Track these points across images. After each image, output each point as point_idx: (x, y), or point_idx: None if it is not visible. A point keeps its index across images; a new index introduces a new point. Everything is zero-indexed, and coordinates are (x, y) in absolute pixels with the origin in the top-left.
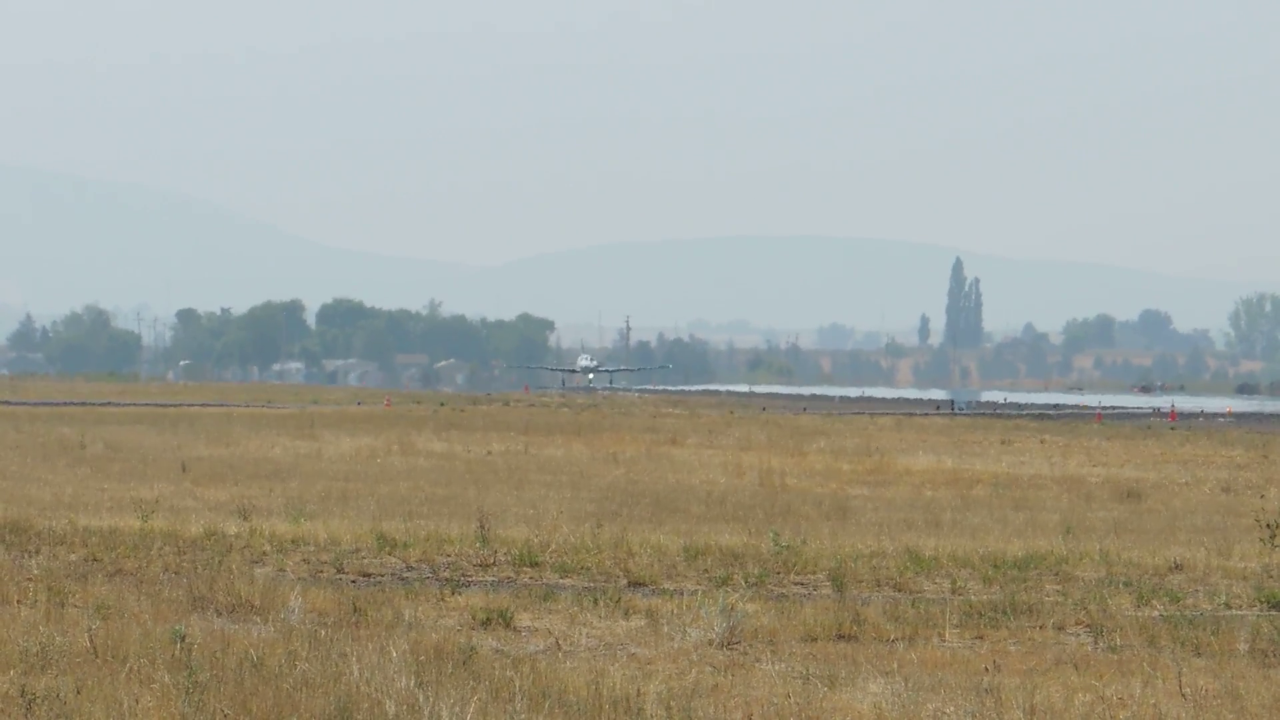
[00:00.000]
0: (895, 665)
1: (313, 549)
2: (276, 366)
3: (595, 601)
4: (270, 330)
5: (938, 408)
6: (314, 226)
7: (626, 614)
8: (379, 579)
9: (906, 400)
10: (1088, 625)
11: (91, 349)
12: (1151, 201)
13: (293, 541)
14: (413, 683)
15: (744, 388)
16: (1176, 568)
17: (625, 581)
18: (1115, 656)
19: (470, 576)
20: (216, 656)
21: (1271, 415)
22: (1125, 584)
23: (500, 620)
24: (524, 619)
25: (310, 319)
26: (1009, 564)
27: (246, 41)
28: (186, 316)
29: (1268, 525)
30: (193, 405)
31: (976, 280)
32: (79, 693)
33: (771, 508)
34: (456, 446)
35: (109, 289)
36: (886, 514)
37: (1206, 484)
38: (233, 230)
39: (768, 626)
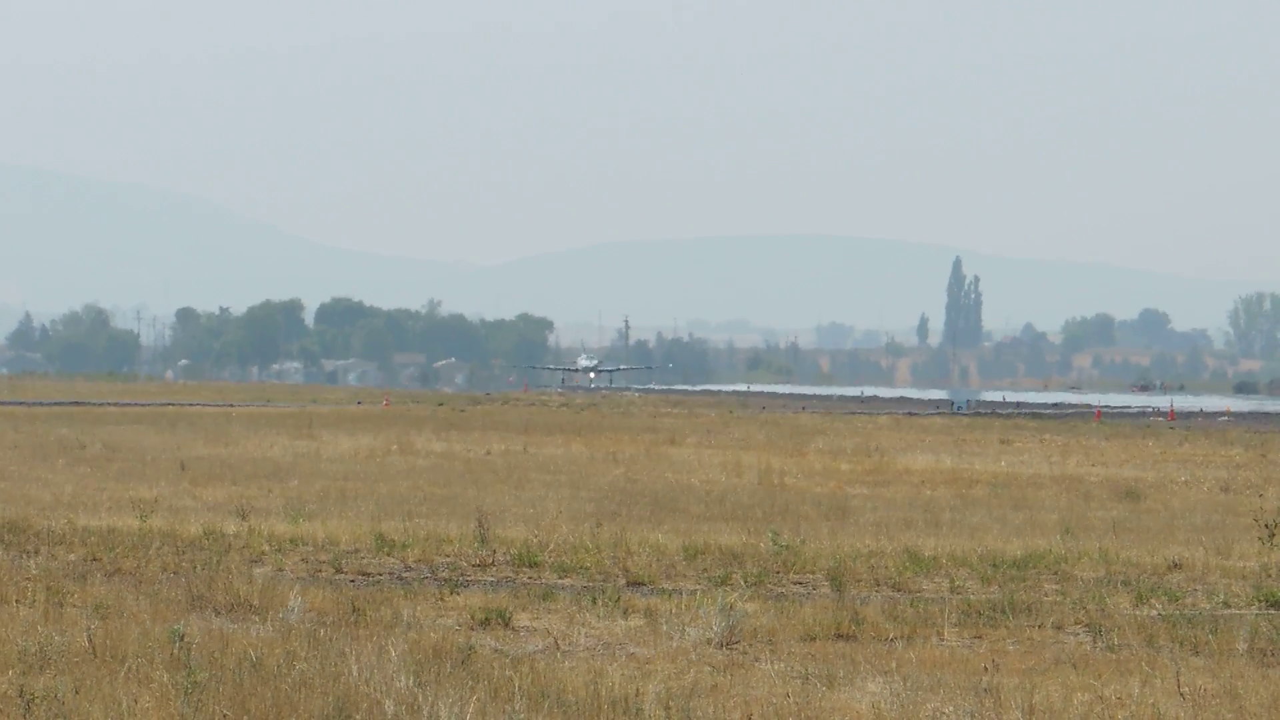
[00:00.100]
0: (894, 665)
1: (311, 549)
2: (275, 366)
3: (594, 601)
4: (269, 330)
5: (937, 407)
6: (313, 226)
7: (625, 614)
8: (378, 579)
9: (906, 400)
10: (1086, 624)
11: (90, 348)
12: (1151, 201)
13: (291, 541)
14: (412, 682)
15: (743, 387)
16: (1175, 567)
17: (624, 581)
18: (1114, 656)
19: (469, 576)
20: (215, 656)
21: (1270, 414)
22: (1124, 583)
23: (499, 620)
24: (523, 619)
25: (309, 318)
26: (1008, 563)
27: (246, 41)
28: (185, 316)
29: (1266, 525)
30: (192, 405)
31: (976, 279)
32: (77, 692)
33: (770, 507)
34: (455, 446)
35: (108, 288)
36: (885, 513)
37: (1205, 483)
38: (232, 230)
39: (766, 626)
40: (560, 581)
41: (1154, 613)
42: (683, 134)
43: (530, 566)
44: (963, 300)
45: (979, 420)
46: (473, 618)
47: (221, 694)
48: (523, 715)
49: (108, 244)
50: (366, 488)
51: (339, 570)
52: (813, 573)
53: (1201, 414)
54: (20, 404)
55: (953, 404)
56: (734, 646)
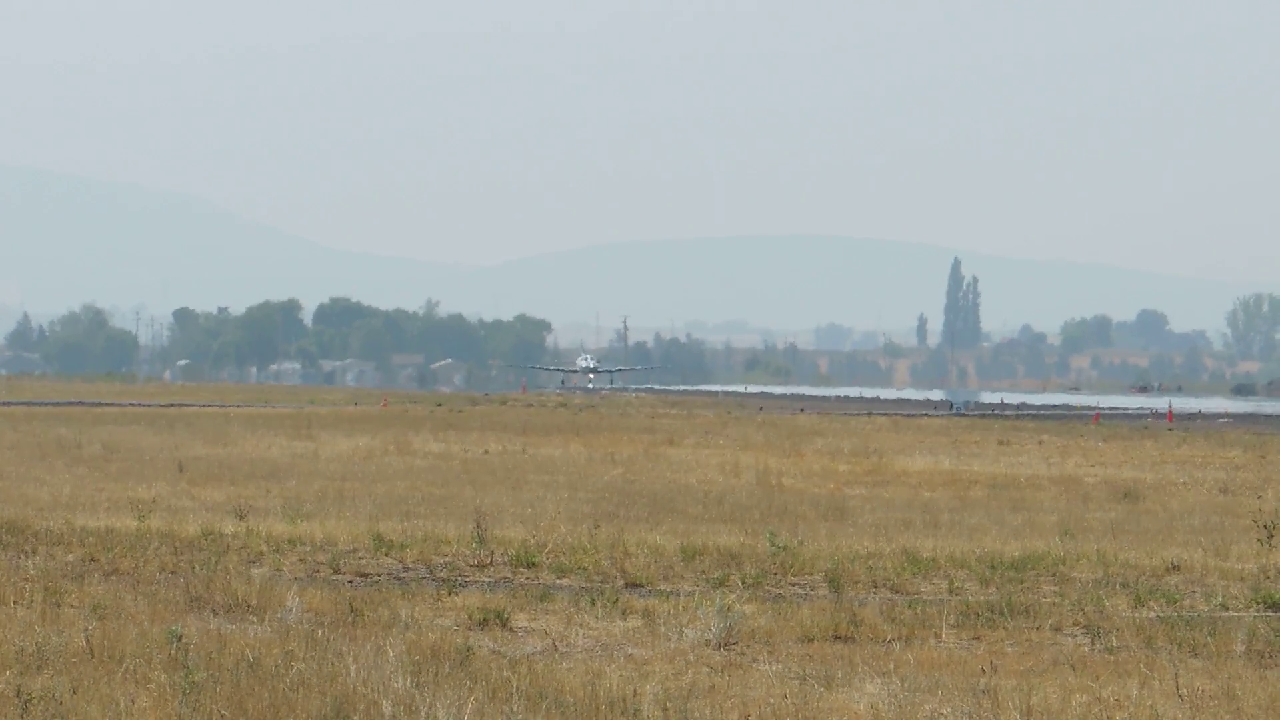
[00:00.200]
0: (892, 666)
1: (309, 549)
2: (274, 367)
3: (592, 602)
4: (267, 330)
5: (935, 408)
6: (312, 226)
7: (623, 614)
8: (376, 579)
9: (904, 401)
10: (1085, 626)
11: (89, 349)
12: (1149, 202)
13: (289, 542)
14: (409, 683)
15: (741, 388)
16: (1174, 569)
17: (622, 582)
18: (1112, 657)
19: (467, 577)
20: (213, 656)
21: (1269, 416)
22: (1122, 585)
23: (497, 621)
24: (521, 619)
25: (307, 319)
26: (1006, 565)
27: (246, 41)
28: (184, 316)
29: (1265, 526)
30: (190, 405)
31: (974, 280)
32: (75, 693)
33: (769, 508)
34: (453, 446)
35: (106, 289)
36: (884, 515)
37: (1204, 485)
38: (230, 230)
39: (764, 627)
40: (558, 582)
41: (1152, 614)
42: (681, 134)
43: (528, 567)
44: (961, 301)
45: (977, 421)
46: (470, 618)
47: (219, 694)
48: (520, 716)
49: (106, 244)
50: (364, 488)
51: (337, 571)
52: (811, 574)
53: (1200, 415)
54: (19, 404)
55: (951, 405)
56: (732, 647)
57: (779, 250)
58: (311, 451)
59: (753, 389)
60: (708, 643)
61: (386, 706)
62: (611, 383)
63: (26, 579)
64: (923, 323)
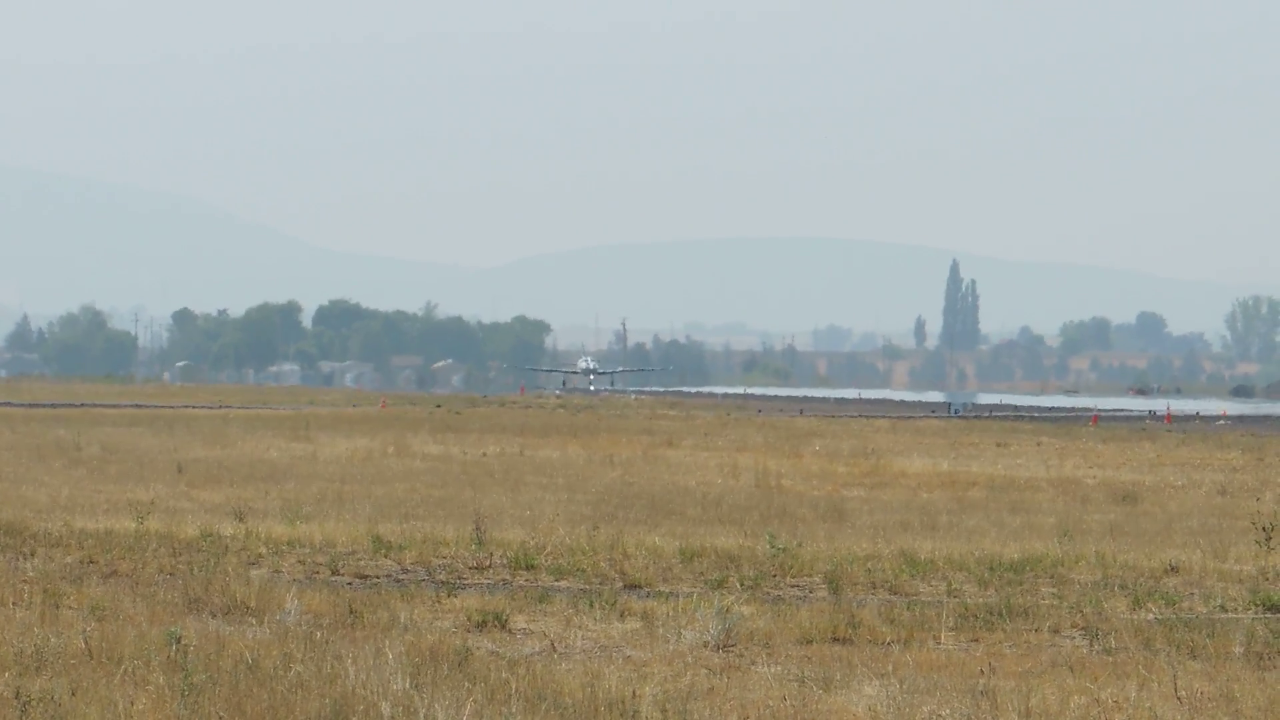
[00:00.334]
0: (890, 668)
1: (308, 551)
2: (273, 368)
3: (591, 604)
4: (266, 332)
5: (934, 410)
6: (311, 228)
7: (622, 616)
8: (375, 581)
9: (903, 402)
10: (1083, 628)
11: (87, 350)
12: (1148, 204)
13: (288, 543)
14: (408, 685)
15: (740, 389)
16: (1172, 570)
17: (621, 584)
18: (1111, 659)
19: (466, 579)
20: (211, 658)
21: (1267, 418)
22: (1121, 587)
23: (496, 622)
24: (519, 621)
25: (307, 320)
26: (1005, 567)
27: (246, 41)
28: (183, 318)
29: (1263, 528)
30: (189, 407)
31: (973, 282)
32: (74, 694)
33: (767, 510)
34: (452, 448)
35: (105, 289)
36: (882, 516)
37: (1202, 486)
38: (230, 231)
39: (763, 629)
40: (557, 584)
41: (1151, 616)
42: (679, 136)
43: (527, 569)
44: (960, 303)
45: (976, 423)
46: (469, 620)
47: (218, 696)
48: (519, 717)
49: (105, 245)
50: (363, 490)
51: (336, 572)
52: (809, 575)
53: (1199, 417)
54: (17, 405)
55: (949, 407)
56: (730, 649)
57: (778, 252)
58: (310, 453)
59: (754, 391)
60: (706, 644)
61: (385, 708)
62: (612, 384)
63: (25, 580)
64: (921, 325)
